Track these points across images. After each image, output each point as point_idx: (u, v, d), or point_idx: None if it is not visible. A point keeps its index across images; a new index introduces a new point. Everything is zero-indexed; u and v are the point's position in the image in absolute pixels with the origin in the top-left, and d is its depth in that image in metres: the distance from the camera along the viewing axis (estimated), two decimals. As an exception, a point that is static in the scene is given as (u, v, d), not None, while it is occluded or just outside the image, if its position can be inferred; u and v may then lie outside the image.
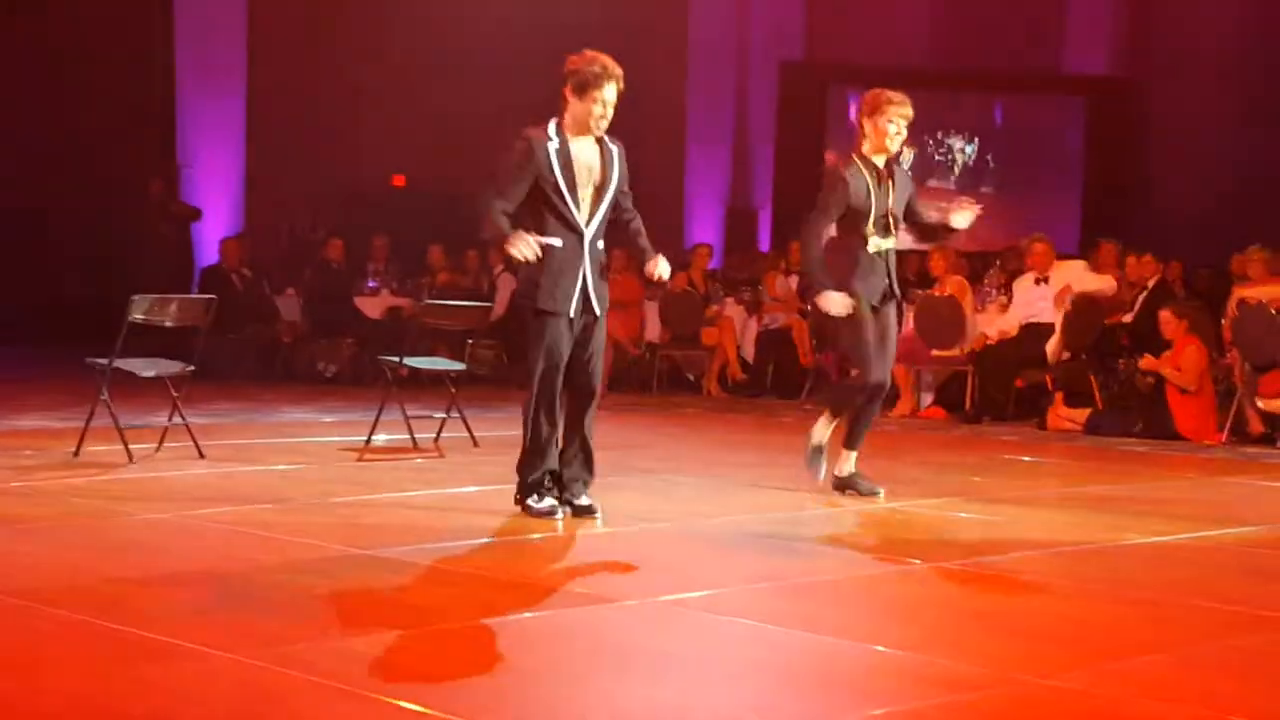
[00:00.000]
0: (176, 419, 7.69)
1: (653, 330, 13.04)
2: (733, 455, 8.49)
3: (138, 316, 7.44)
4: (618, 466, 7.61)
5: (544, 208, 5.90)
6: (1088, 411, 10.24)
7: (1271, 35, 16.18)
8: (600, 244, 6.00)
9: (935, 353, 11.26)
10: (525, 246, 5.77)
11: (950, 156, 17.44)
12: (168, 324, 7.74)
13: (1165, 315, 9.95)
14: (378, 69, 16.01)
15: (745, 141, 17.71)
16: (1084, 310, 10.69)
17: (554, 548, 5.68)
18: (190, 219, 14.74)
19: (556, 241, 5.89)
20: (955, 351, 11.21)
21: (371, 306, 13.52)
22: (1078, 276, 10.96)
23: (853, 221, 6.65)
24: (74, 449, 7.48)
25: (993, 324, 11.39)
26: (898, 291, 6.84)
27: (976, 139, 17.50)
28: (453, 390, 8.49)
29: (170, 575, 4.93)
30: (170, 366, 7.73)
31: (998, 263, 13.29)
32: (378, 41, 16.04)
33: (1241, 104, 16.42)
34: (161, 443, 7.80)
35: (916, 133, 17.28)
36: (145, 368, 7.62)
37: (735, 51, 17.83)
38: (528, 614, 4.47)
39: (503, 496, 6.56)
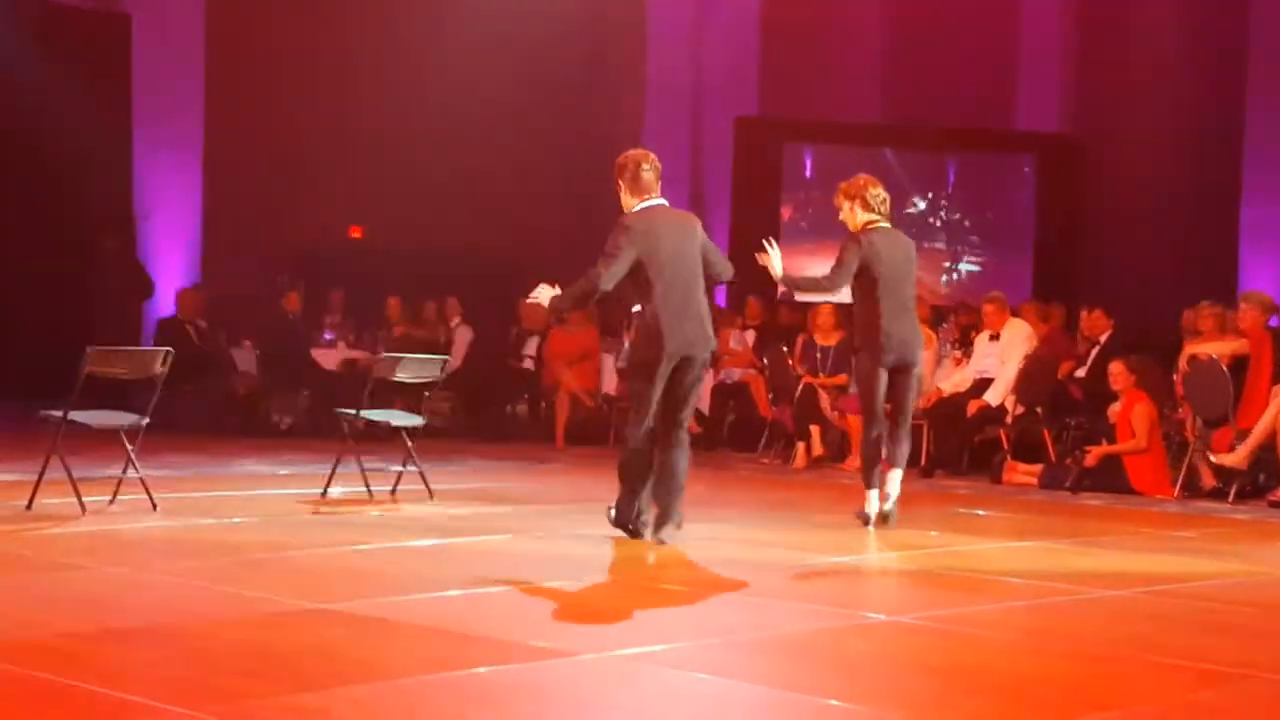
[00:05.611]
0: (130, 471, 7.63)
1: (610, 383, 13.07)
2: (689, 509, 8.49)
3: (92, 369, 7.39)
4: (576, 520, 7.61)
5: None
6: (1041, 467, 10.33)
7: (1217, 92, 16.45)
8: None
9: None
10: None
11: (903, 212, 17.62)
12: (122, 376, 7.69)
13: (1116, 367, 10.06)
14: (335, 121, 16.03)
15: (701, 197, 17.83)
16: (1038, 366, 10.81)
17: (511, 601, 5.66)
18: (142, 294, 14.69)
19: None
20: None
21: (328, 359, 13.47)
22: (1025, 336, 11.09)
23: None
24: (27, 502, 7.41)
25: (948, 379, 11.48)
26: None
27: (929, 195, 17.68)
28: (409, 443, 8.47)
29: (124, 630, 4.89)
30: (124, 419, 7.68)
31: (951, 317, 13.42)
32: (335, 94, 16.06)
33: (1190, 160, 16.66)
34: (115, 495, 7.73)
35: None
36: (99, 420, 7.57)
37: (690, 107, 17.97)
38: (484, 669, 4.45)
39: (460, 549, 6.55)
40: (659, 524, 6.96)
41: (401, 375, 8.79)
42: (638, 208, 6.95)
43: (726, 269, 7.18)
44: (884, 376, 7.60)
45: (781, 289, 16.14)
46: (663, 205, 7.02)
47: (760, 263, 7.57)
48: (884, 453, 7.69)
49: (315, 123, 15.93)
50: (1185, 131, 16.73)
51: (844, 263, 7.61)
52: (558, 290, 7.06)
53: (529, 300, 7.26)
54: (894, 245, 7.66)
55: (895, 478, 7.68)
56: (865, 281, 7.57)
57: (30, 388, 11.07)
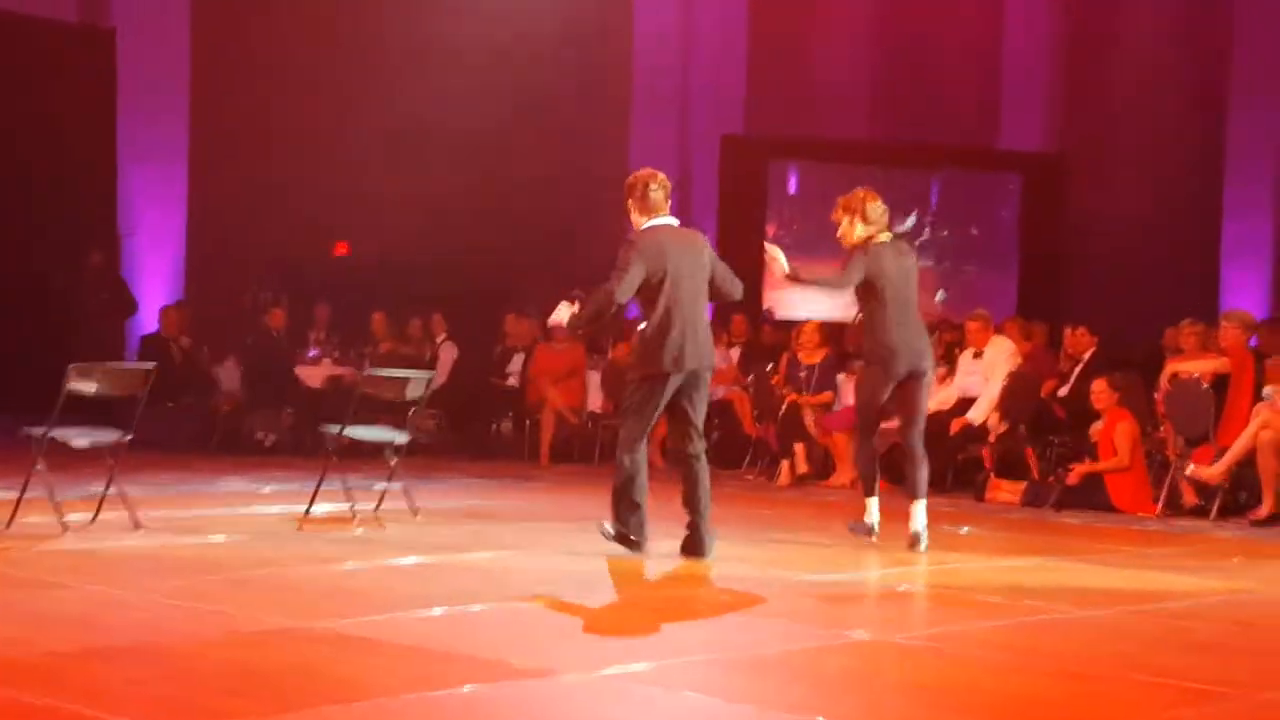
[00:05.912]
0: (113, 489, 7.61)
1: (595, 400, 13.06)
2: (676, 527, 8.50)
3: (75, 385, 7.37)
4: (561, 538, 7.61)
5: None
6: (1024, 485, 10.34)
7: (1199, 110, 16.54)
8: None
9: (874, 424, 11.35)
10: None
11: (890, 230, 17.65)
12: (105, 393, 7.67)
13: (1099, 386, 10.09)
14: (320, 136, 16.02)
15: (688, 215, 17.85)
16: (1021, 384, 10.84)
17: (495, 620, 5.66)
18: (125, 311, 14.67)
19: None
20: (895, 423, 11.28)
21: (312, 375, 13.45)
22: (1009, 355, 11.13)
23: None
24: (7, 520, 7.38)
25: (931, 396, 11.48)
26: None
27: (914, 212, 17.72)
28: (393, 460, 8.45)
29: (108, 649, 4.88)
30: (107, 436, 7.65)
31: (935, 334, 13.43)
32: (321, 110, 16.06)
33: (1172, 179, 16.74)
34: (98, 513, 7.71)
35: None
36: (81, 437, 7.54)
37: (677, 125, 18.00)
38: (467, 688, 4.44)
39: (444, 567, 6.53)
40: (688, 547, 7.10)
41: (386, 392, 8.78)
42: (646, 226, 7.11)
43: (736, 287, 7.33)
44: (890, 388, 7.63)
45: (766, 305, 16.19)
46: (670, 224, 7.18)
47: (768, 262, 7.61)
48: (905, 482, 7.78)
49: (300, 139, 15.91)
50: (1168, 150, 16.81)
51: (849, 268, 7.63)
52: (576, 308, 7.16)
53: (550, 321, 7.41)
54: (898, 256, 7.72)
55: (920, 510, 7.64)
56: (872, 293, 7.59)
57: (13, 404, 11.03)
